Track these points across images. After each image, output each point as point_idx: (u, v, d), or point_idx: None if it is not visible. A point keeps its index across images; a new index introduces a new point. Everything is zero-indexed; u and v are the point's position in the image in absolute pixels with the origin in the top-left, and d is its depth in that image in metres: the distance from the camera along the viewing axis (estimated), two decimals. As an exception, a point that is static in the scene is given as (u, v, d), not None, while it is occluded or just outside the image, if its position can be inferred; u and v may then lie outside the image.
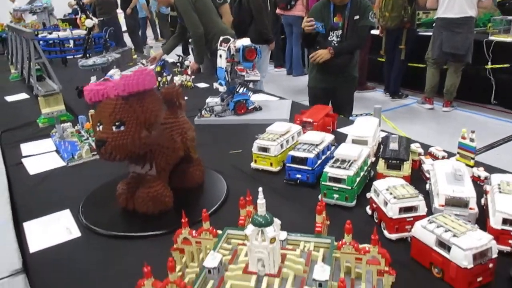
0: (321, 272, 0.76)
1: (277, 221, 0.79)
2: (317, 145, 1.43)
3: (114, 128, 1.14)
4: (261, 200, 0.77)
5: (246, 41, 2.09)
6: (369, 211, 1.21)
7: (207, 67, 4.04)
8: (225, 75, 2.09)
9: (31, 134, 2.11)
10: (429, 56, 4.75)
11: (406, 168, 1.32)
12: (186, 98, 2.58)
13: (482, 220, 1.09)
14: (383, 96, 5.47)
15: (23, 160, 1.77)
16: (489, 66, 4.53)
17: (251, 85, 2.25)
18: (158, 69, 2.54)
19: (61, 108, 2.32)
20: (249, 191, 0.99)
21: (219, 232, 0.93)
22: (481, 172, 1.36)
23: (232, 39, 2.10)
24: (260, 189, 0.77)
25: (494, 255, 0.90)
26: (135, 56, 3.88)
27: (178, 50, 4.83)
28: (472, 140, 1.31)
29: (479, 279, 0.90)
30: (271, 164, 1.50)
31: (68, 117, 2.31)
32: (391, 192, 1.09)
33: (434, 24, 4.68)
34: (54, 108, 2.31)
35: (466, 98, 4.90)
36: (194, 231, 0.93)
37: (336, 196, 1.25)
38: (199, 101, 2.32)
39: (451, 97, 4.77)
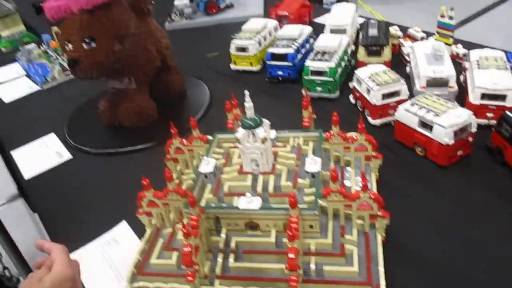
0: (313, 164, 0.80)
1: (265, 121, 0.80)
2: (295, 39, 1.40)
3: (84, 45, 1.09)
4: (248, 103, 0.77)
5: None
6: (352, 100, 1.24)
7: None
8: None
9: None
10: None
11: (386, 53, 1.31)
12: (152, 2, 2.44)
13: (461, 97, 1.12)
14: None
15: (-6, 88, 1.71)
16: None
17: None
18: None
19: (21, 29, 2.18)
20: (233, 94, 0.99)
21: (210, 137, 0.95)
22: (459, 50, 1.36)
23: None
24: (246, 92, 0.77)
25: (473, 130, 0.95)
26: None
27: None
28: (451, 18, 1.29)
29: (459, 152, 0.96)
30: (251, 64, 1.48)
31: (31, 37, 2.18)
32: (373, 80, 1.10)
33: None
34: (14, 29, 2.16)
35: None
36: (185, 140, 0.95)
37: (319, 89, 1.26)
38: (165, 4, 2.19)
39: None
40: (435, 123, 0.92)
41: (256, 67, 1.48)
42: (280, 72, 1.37)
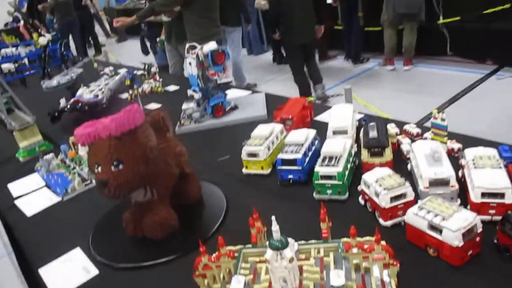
0: (337, 278, 0.86)
1: (291, 241, 0.87)
2: (302, 144, 1.52)
3: (113, 168, 1.18)
4: (275, 227, 0.85)
5: (212, 45, 2.12)
6: (361, 201, 1.32)
7: (175, 67, 4.06)
8: (198, 82, 2.12)
9: (15, 171, 2.10)
10: (385, 18, 4.87)
11: (388, 153, 1.42)
12: (160, 105, 2.62)
13: (462, 192, 1.21)
14: (345, 64, 5.59)
15: (16, 202, 1.78)
16: (441, 21, 4.69)
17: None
18: (128, 82, 2.54)
19: (38, 139, 2.30)
20: (255, 208, 1.07)
21: (236, 253, 1.01)
22: (454, 145, 1.48)
23: (198, 46, 2.13)
24: (273, 217, 0.85)
25: (479, 230, 1.02)
26: (96, 65, 3.82)
27: (149, 60, 4.78)
28: (443, 119, 1.42)
29: (470, 252, 1.02)
30: (262, 168, 1.58)
31: (47, 146, 2.30)
32: (380, 184, 1.19)
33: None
34: (32, 140, 2.29)
35: (424, 53, 5.07)
36: (212, 256, 1.01)
37: (329, 191, 1.35)
38: (173, 107, 2.35)
39: (410, 55, 4.93)
40: (444, 227, 1.00)
41: (267, 171, 1.58)
42: (290, 176, 1.47)
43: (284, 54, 5.18)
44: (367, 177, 1.26)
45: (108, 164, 1.19)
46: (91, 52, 9.56)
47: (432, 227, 1.03)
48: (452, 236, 0.98)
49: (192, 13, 3.40)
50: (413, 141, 1.57)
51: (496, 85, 4.21)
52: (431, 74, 4.79)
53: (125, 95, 2.93)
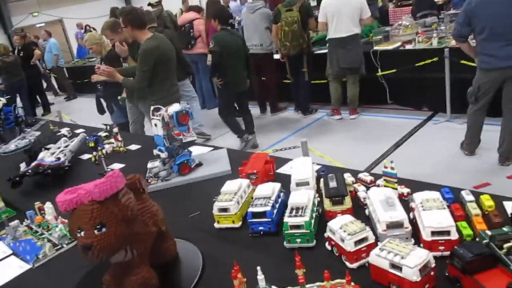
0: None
1: (275, 288, 0.97)
2: (270, 197, 1.64)
3: (96, 231, 1.24)
4: (260, 276, 0.95)
5: (176, 107, 2.25)
6: (328, 247, 1.44)
7: (135, 124, 4.15)
8: (164, 141, 2.22)
9: (-23, 240, 2.06)
10: (329, 72, 5.26)
11: (347, 201, 1.58)
12: (123, 165, 2.66)
13: (415, 232, 1.38)
14: (296, 115, 5.89)
15: (-18, 272, 1.75)
16: (380, 73, 5.14)
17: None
18: (92, 144, 2.59)
19: (0, 206, 2.28)
20: (235, 261, 1.17)
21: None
22: (403, 190, 1.66)
23: (163, 108, 2.25)
24: (259, 267, 0.96)
25: (433, 265, 1.18)
26: (52, 127, 3.82)
27: (103, 119, 4.84)
28: (392, 168, 1.61)
29: (427, 286, 1.16)
30: (233, 221, 1.68)
31: (9, 212, 2.27)
32: (344, 230, 1.33)
33: (327, 44, 5.20)
34: (-7, 206, 2.26)
35: (367, 103, 5.48)
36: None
37: (298, 240, 1.46)
38: (137, 166, 2.42)
39: (355, 105, 5.31)
40: (403, 265, 1.14)
41: (238, 224, 1.68)
42: (261, 228, 1.58)
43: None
44: (332, 224, 1.39)
45: (92, 228, 1.24)
46: (39, 111, 9.39)
47: (393, 265, 1.17)
48: (411, 272, 1.13)
49: (153, 76, 3.55)
50: (368, 188, 1.74)
51: (433, 130, 4.62)
52: (375, 122, 5.17)
53: (86, 156, 2.96)
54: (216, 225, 1.71)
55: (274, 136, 5.20)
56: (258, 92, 6.08)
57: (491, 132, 3.54)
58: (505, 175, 3.33)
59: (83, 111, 8.34)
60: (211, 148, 2.73)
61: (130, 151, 3.00)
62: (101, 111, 4.90)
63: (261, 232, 1.59)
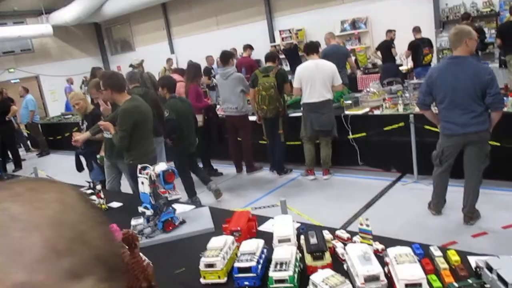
0: None
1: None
2: (254, 253, 1.74)
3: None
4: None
5: (163, 166, 2.36)
6: (312, 300, 1.54)
7: (112, 181, 4.21)
8: (150, 199, 2.31)
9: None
10: (304, 135, 5.50)
11: (327, 256, 1.69)
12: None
13: (390, 284, 1.49)
14: (271, 174, 6.04)
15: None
16: (351, 136, 5.43)
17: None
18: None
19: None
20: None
21: None
22: (378, 246, 1.79)
23: (150, 166, 2.36)
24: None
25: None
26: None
27: (78, 176, 4.88)
28: (367, 225, 1.76)
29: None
30: (219, 277, 1.75)
31: None
32: (326, 283, 1.44)
33: (302, 108, 5.49)
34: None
35: (339, 164, 5.71)
36: None
37: (283, 294, 1.55)
38: (121, 223, 2.45)
39: (328, 166, 5.53)
40: (381, 315, 1.25)
41: (223, 279, 1.75)
42: (246, 283, 1.66)
43: (200, 165, 5.75)
44: (314, 278, 1.50)
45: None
46: (9, 167, 9.21)
47: (372, 316, 1.28)
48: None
49: (131, 136, 3.67)
50: (345, 244, 1.86)
51: (401, 190, 4.85)
52: (347, 182, 5.38)
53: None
54: (202, 280, 1.78)
55: (250, 195, 5.31)
56: (234, 152, 6.25)
57: (456, 193, 3.77)
58: (469, 233, 3.51)
59: (57, 167, 8.26)
60: (193, 207, 2.82)
61: (111, 208, 3.05)
62: (79, 168, 4.92)
63: (247, 287, 1.66)
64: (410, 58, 8.92)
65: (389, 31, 9.10)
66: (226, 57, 5.92)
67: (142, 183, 2.34)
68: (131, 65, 6.95)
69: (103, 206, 2.98)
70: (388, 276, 1.54)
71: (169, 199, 2.36)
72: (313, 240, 1.77)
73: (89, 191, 2.96)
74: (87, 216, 0.47)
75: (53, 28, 15.74)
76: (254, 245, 1.79)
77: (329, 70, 5.31)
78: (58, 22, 15.81)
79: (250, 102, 5.99)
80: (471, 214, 3.64)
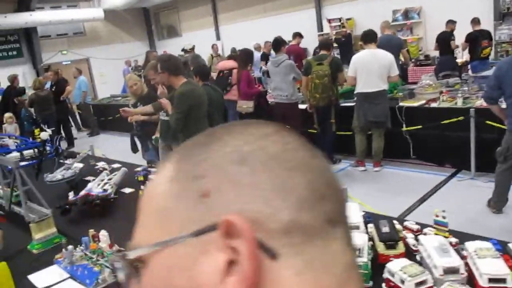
0: None
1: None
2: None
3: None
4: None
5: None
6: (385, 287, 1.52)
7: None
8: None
9: (30, 263, 2.15)
10: (356, 125, 5.41)
11: (401, 246, 1.66)
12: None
13: (469, 278, 1.45)
14: (319, 163, 6.00)
15: (44, 294, 1.83)
16: (404, 128, 5.29)
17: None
18: (141, 178, 2.72)
19: (53, 231, 2.38)
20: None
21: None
22: (452, 239, 1.74)
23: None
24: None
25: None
26: (92, 162, 3.98)
27: (132, 156, 5.02)
28: (444, 217, 1.71)
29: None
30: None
31: (60, 238, 2.37)
32: (404, 272, 1.42)
33: (355, 98, 5.40)
34: (46, 232, 2.36)
35: (391, 156, 5.59)
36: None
37: (356, 280, 1.54)
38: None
39: (379, 158, 5.42)
40: (467, 307, 1.22)
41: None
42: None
43: None
44: (391, 266, 1.48)
45: None
46: (63, 144, 9.64)
47: (456, 308, 1.25)
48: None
49: (187, 118, 3.74)
50: (415, 236, 1.82)
51: (457, 187, 4.68)
52: (398, 175, 5.26)
53: (127, 190, 3.09)
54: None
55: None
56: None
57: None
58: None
59: (109, 147, 8.54)
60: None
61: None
62: (134, 149, 5.06)
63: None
64: (466, 51, 8.56)
65: (450, 21, 8.66)
66: (278, 44, 5.89)
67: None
68: (183, 50, 7.05)
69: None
70: (466, 270, 1.50)
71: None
72: (385, 229, 1.74)
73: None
74: (326, 165, 0.47)
75: (104, 12, 16.18)
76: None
77: (387, 60, 5.17)
78: (109, 6, 16.23)
79: (301, 90, 5.94)
80: (535, 214, 3.48)
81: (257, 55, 10.90)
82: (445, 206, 4.09)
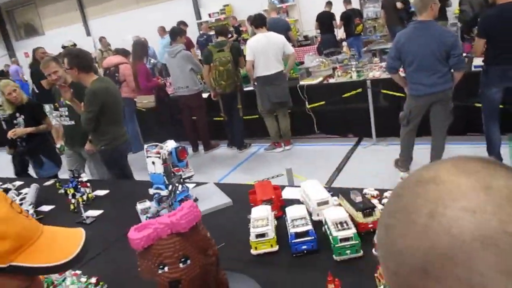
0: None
1: None
2: (305, 217, 1.74)
3: (181, 264, 1.23)
4: None
5: (172, 143, 2.24)
6: (375, 252, 1.57)
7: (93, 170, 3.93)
8: (164, 179, 2.19)
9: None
10: (262, 108, 5.51)
11: (377, 212, 1.74)
12: (101, 211, 2.52)
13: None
14: (229, 151, 6.01)
15: None
16: (308, 106, 5.54)
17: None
18: (71, 191, 2.41)
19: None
20: (329, 272, 1.24)
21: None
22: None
23: (158, 145, 2.23)
24: None
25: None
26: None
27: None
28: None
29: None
30: (271, 246, 1.73)
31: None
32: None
33: (255, 83, 5.47)
34: None
35: (297, 134, 5.83)
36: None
37: (348, 252, 1.57)
38: (117, 210, 2.33)
39: (288, 136, 5.61)
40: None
41: (276, 247, 1.73)
42: (304, 247, 1.66)
43: None
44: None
45: (176, 261, 1.22)
46: None
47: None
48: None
49: (102, 119, 3.43)
50: (379, 201, 1.92)
51: (364, 153, 5.09)
52: (310, 151, 5.53)
53: (45, 208, 2.74)
54: (253, 251, 1.74)
55: (217, 172, 5.23)
56: (189, 132, 6.09)
57: (421, 150, 4.04)
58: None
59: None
60: (194, 184, 2.73)
61: (98, 196, 2.84)
62: (21, 171, 4.43)
63: (305, 251, 1.66)
64: (342, 29, 9.26)
65: (329, 2, 9.25)
66: (175, 33, 5.69)
67: (153, 163, 2.20)
68: (63, 46, 6.40)
69: (90, 196, 2.76)
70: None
71: (183, 177, 2.25)
72: (359, 199, 1.80)
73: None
74: None
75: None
76: (302, 209, 1.79)
77: (280, 41, 5.33)
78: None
79: (204, 79, 5.83)
80: (437, 168, 3.93)
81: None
82: (361, 171, 4.46)
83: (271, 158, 5.49)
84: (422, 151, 4.05)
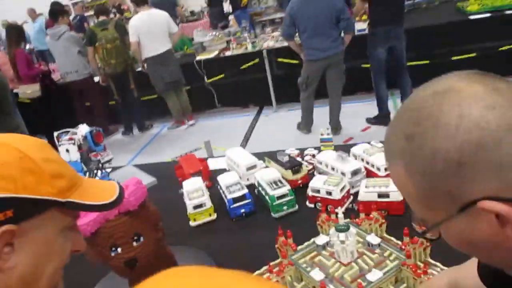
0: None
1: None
2: (239, 182, 1.79)
3: (134, 243, 1.21)
4: (340, 215, 1.16)
5: (84, 127, 2.12)
6: (310, 204, 1.70)
7: None
8: (82, 166, 2.07)
9: None
10: (158, 89, 5.31)
11: (304, 169, 1.86)
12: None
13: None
14: (130, 135, 5.77)
15: None
16: (207, 80, 5.54)
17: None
18: None
19: None
20: (280, 226, 1.31)
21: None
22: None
23: (70, 130, 2.09)
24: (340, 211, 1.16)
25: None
26: None
27: None
28: (328, 134, 1.97)
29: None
30: (210, 215, 1.76)
31: None
32: (329, 184, 1.61)
33: (146, 64, 5.24)
34: None
35: (199, 109, 5.81)
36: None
37: (285, 207, 1.67)
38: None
39: (190, 111, 5.55)
40: (389, 192, 1.50)
41: (214, 216, 1.76)
42: (243, 210, 1.72)
43: None
44: (314, 184, 1.65)
45: (130, 241, 1.20)
46: None
47: (380, 195, 1.52)
48: (397, 194, 1.49)
49: None
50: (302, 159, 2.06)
51: (267, 121, 5.29)
52: (214, 125, 5.56)
53: None
54: (192, 223, 1.75)
55: (121, 157, 5.00)
56: (85, 119, 5.69)
57: (320, 112, 4.33)
58: (341, 141, 4.08)
59: None
60: (110, 169, 2.61)
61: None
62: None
63: (244, 214, 1.72)
64: (228, 2, 9.28)
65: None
66: (55, 13, 5.19)
67: (67, 150, 2.06)
68: None
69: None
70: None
71: (102, 161, 2.15)
72: (286, 158, 1.91)
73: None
74: None
75: None
76: (234, 176, 1.84)
77: (163, 19, 5.11)
78: None
79: (90, 62, 5.44)
80: (336, 126, 4.26)
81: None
82: (269, 138, 4.62)
83: (176, 137, 5.42)
84: (320, 112, 4.34)
